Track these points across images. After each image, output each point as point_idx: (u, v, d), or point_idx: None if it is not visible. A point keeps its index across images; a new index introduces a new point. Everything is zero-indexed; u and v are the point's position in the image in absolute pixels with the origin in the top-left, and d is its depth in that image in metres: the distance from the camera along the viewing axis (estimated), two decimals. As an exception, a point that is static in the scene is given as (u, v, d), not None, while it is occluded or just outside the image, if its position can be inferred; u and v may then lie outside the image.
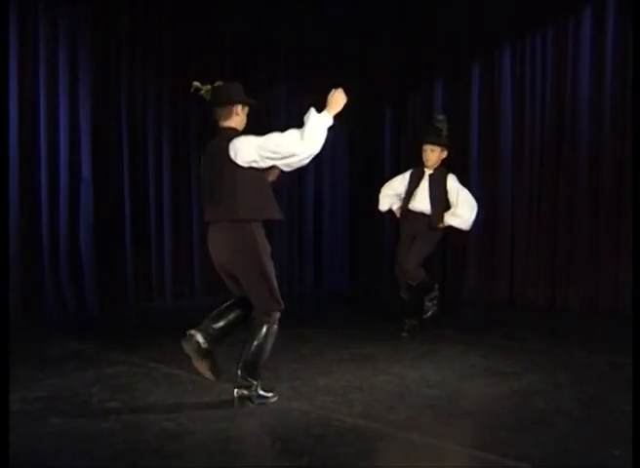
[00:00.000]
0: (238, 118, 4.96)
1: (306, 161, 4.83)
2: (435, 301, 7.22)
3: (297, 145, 4.73)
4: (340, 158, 11.08)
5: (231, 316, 4.99)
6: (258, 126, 7.95)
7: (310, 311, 8.91)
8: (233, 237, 4.80)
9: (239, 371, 4.79)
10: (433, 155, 7.03)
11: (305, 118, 4.91)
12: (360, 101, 10.68)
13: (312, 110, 4.95)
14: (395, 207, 7.39)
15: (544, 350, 6.52)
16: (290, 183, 10.37)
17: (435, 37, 9.89)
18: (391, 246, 10.51)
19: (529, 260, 9.02)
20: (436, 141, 7.02)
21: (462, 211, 6.98)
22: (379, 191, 10.48)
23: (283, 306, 4.90)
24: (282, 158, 4.74)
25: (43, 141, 8.01)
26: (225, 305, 5.03)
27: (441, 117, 7.20)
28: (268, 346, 4.85)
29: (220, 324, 4.93)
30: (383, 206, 7.47)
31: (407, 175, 7.28)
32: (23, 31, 7.80)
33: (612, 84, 8.26)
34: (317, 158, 10.76)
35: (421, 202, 7.08)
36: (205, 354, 4.82)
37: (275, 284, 4.89)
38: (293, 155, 4.73)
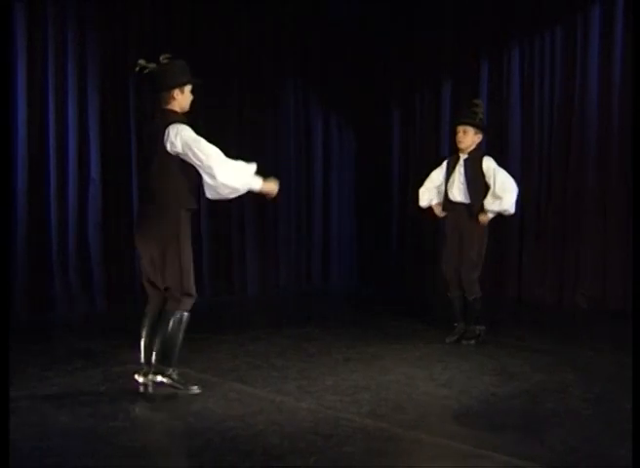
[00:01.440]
0: (176, 102, 4.99)
1: (222, 189, 4.81)
2: (476, 336, 6.79)
3: (217, 164, 4.74)
4: (348, 158, 11.08)
5: (152, 330, 5.13)
6: (264, 125, 8.06)
7: (318, 310, 8.91)
8: (157, 219, 4.90)
9: (153, 361, 4.93)
10: (466, 137, 6.67)
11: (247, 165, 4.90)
12: (368, 101, 10.75)
13: (254, 166, 4.93)
14: (435, 202, 7.00)
15: (552, 350, 6.51)
16: (298, 183, 10.39)
17: (443, 36, 9.87)
18: (399, 244, 10.55)
19: (537, 259, 9.00)
20: (469, 122, 6.69)
21: (501, 191, 6.57)
22: (386, 190, 10.59)
23: (195, 295, 5.01)
24: (201, 165, 4.77)
25: (52, 141, 8.02)
26: (145, 332, 5.18)
27: (478, 101, 6.93)
28: (180, 334, 4.95)
29: (155, 343, 5.02)
30: (423, 201, 7.04)
31: (444, 165, 6.94)
32: (33, 31, 7.81)
33: (620, 83, 8.24)
34: (325, 158, 10.91)
35: (459, 190, 6.72)
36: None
37: (191, 272, 5.00)
38: (210, 169, 4.73)
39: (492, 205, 6.59)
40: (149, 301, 5.24)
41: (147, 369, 5.00)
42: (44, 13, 7.91)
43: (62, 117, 8.10)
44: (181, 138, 4.77)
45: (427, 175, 7.11)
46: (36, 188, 7.91)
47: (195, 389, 5.03)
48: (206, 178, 4.80)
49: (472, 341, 6.71)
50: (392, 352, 6.40)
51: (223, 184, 4.77)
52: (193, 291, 5.02)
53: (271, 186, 5.02)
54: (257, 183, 4.91)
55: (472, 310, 6.79)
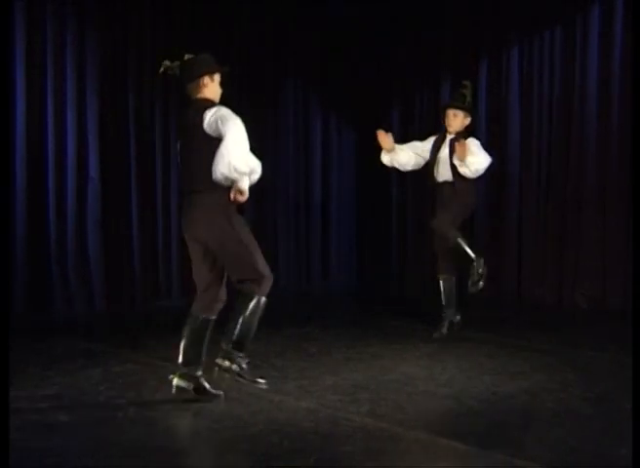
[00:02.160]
0: (208, 89, 4.88)
1: (224, 162, 4.48)
2: (479, 274, 6.69)
3: (234, 134, 4.52)
4: (347, 158, 11.08)
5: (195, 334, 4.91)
6: (264, 125, 8.05)
7: (318, 310, 8.91)
8: (208, 207, 4.71)
9: (225, 345, 4.68)
10: (456, 120, 6.83)
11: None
12: (368, 101, 10.74)
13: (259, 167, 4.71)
14: (395, 164, 7.13)
15: (552, 349, 6.50)
16: (297, 183, 10.40)
17: (443, 36, 9.86)
18: (399, 243, 10.54)
19: (536, 259, 9.00)
20: (459, 106, 6.85)
21: (476, 157, 6.71)
22: (386, 190, 10.58)
23: (271, 277, 4.84)
24: (222, 135, 4.53)
25: (51, 140, 8.03)
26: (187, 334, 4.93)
27: (466, 83, 7.00)
28: (256, 320, 4.77)
29: (230, 325, 4.79)
30: (384, 157, 7.20)
31: (430, 140, 7.04)
32: (32, 31, 7.83)
33: (619, 82, 8.24)
34: (325, 158, 10.91)
35: (444, 169, 6.83)
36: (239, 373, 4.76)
37: (257, 250, 4.82)
38: (226, 138, 4.50)
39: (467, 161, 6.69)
40: (197, 300, 4.97)
41: (184, 370, 4.84)
42: (43, 13, 7.91)
43: (61, 116, 8.11)
44: (217, 115, 4.62)
45: (426, 173, 7.14)
46: (35, 187, 7.92)
47: (262, 382, 4.83)
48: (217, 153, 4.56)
49: (480, 283, 6.72)
50: (392, 352, 6.39)
51: (229, 157, 4.48)
52: (268, 271, 4.85)
53: (244, 193, 4.69)
54: (245, 180, 4.66)
55: (461, 251, 6.76)
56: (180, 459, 3.93)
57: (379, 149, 10.78)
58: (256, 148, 4.72)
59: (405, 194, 10.38)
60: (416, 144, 7.15)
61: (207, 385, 4.90)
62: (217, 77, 4.96)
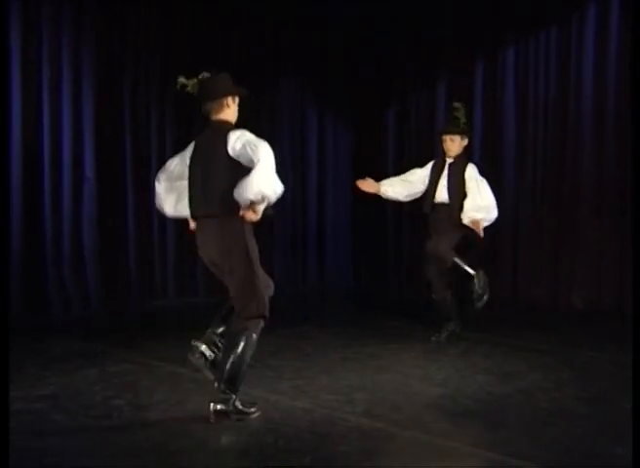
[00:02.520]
0: (230, 110, 4.77)
1: (250, 186, 4.32)
2: (481, 287, 6.68)
3: (264, 157, 4.40)
4: (343, 157, 11.09)
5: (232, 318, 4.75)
6: (260, 125, 8.02)
7: (314, 310, 8.91)
8: (223, 233, 4.61)
9: (216, 384, 4.53)
10: (454, 145, 6.86)
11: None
12: (364, 101, 10.75)
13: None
14: (390, 194, 7.09)
15: (548, 349, 6.51)
16: (293, 182, 10.39)
17: (438, 36, 9.87)
18: (395, 244, 10.54)
19: (532, 259, 9.01)
20: (454, 130, 6.88)
21: (486, 202, 6.67)
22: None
23: (267, 316, 4.70)
24: (251, 158, 4.41)
25: (46, 140, 8.01)
26: (226, 308, 4.81)
27: (457, 105, 6.98)
28: (247, 358, 4.58)
29: (222, 328, 4.72)
30: (382, 185, 7.08)
31: (428, 166, 7.07)
32: (27, 30, 7.80)
33: (615, 82, 8.25)
34: (321, 157, 10.90)
35: (441, 192, 6.87)
36: (211, 363, 4.63)
37: (263, 289, 4.70)
38: (257, 159, 4.37)
39: (476, 213, 6.66)
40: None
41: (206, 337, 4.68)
42: (39, 11, 7.89)
43: (57, 116, 8.10)
44: (242, 140, 4.51)
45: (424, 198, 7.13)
46: (31, 187, 7.90)
47: (254, 411, 4.63)
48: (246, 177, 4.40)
49: (485, 297, 6.69)
50: (388, 352, 6.40)
51: (260, 184, 4.34)
52: (266, 311, 4.72)
53: (258, 214, 4.60)
54: (263, 204, 4.54)
55: (460, 271, 6.79)
56: (177, 459, 3.93)
57: (375, 150, 10.86)
58: (280, 171, 4.57)
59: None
60: (415, 172, 7.14)
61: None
62: (237, 99, 4.82)
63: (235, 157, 4.51)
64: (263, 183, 4.34)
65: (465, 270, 6.69)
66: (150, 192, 8.79)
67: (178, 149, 9.08)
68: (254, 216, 4.53)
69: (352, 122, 11.02)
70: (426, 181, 6.99)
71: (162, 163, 8.94)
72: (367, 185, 7.04)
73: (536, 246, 8.98)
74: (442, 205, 6.85)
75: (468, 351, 6.42)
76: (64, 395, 5.03)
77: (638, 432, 3.50)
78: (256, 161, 4.36)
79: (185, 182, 4.79)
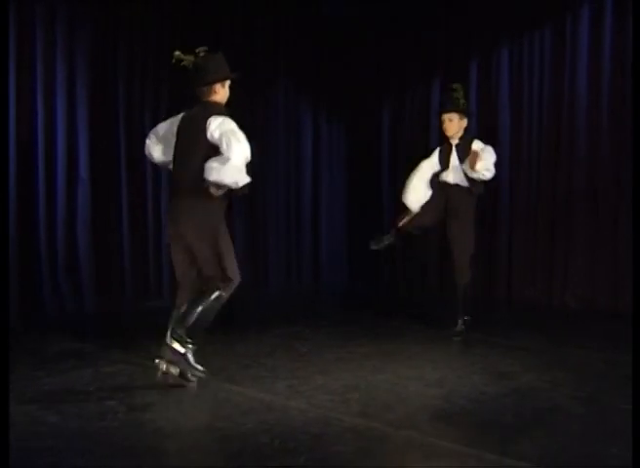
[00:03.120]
0: (218, 94, 5.11)
1: (216, 179, 4.82)
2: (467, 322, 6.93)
3: (238, 155, 4.82)
4: (338, 156, 11.09)
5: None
6: (255, 124, 8.01)
7: (308, 309, 8.91)
8: (195, 207, 4.97)
9: (172, 330, 4.98)
10: (452, 124, 6.86)
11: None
12: (358, 100, 10.75)
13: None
14: (423, 201, 7.02)
15: (542, 349, 6.52)
16: (287, 181, 10.40)
17: (433, 36, 9.86)
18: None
19: (527, 259, 9.02)
20: (452, 109, 6.86)
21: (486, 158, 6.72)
22: (377, 189, 10.57)
23: (238, 278, 5.12)
24: (224, 148, 4.82)
25: (40, 140, 7.98)
26: (175, 313, 5.19)
27: (457, 85, 6.99)
28: (213, 314, 5.05)
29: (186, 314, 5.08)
30: (410, 201, 7.03)
31: (435, 154, 7.06)
32: (21, 30, 7.77)
33: (610, 82, 8.25)
34: (315, 156, 10.90)
35: (455, 175, 6.85)
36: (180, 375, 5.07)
37: (232, 258, 5.10)
38: (229, 152, 4.80)
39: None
40: (179, 295, 5.29)
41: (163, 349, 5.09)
42: (32, 10, 7.87)
43: (51, 116, 8.06)
44: (222, 128, 4.86)
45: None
46: (25, 187, 7.87)
47: (201, 369, 5.08)
48: (217, 160, 4.83)
49: (458, 338, 6.80)
50: (383, 352, 6.39)
51: (222, 170, 4.78)
52: (237, 273, 5.14)
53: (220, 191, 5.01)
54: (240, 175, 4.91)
55: (461, 297, 6.89)
56: (171, 459, 3.93)
57: (370, 149, 10.84)
58: (254, 164, 5.04)
59: (396, 193, 10.36)
60: (424, 169, 7.09)
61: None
62: (227, 82, 5.16)
63: (213, 142, 4.88)
64: (227, 175, 4.80)
65: (464, 299, 6.92)
66: (145, 192, 8.90)
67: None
68: (215, 192, 4.93)
69: (347, 121, 11.02)
70: (437, 168, 6.99)
71: (157, 164, 8.98)
72: (406, 223, 7.09)
73: (530, 246, 8.99)
74: (457, 186, 6.86)
75: (463, 351, 6.43)
76: (58, 396, 5.02)
77: (638, 432, 3.50)
78: (226, 156, 4.79)
79: (173, 139, 5.20)
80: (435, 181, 7.01)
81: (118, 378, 5.47)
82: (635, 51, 7.64)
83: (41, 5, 7.92)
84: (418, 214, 6.99)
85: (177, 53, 5.12)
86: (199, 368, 5.09)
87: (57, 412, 4.64)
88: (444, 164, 6.94)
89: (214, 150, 4.87)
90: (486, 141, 8.54)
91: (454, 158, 6.89)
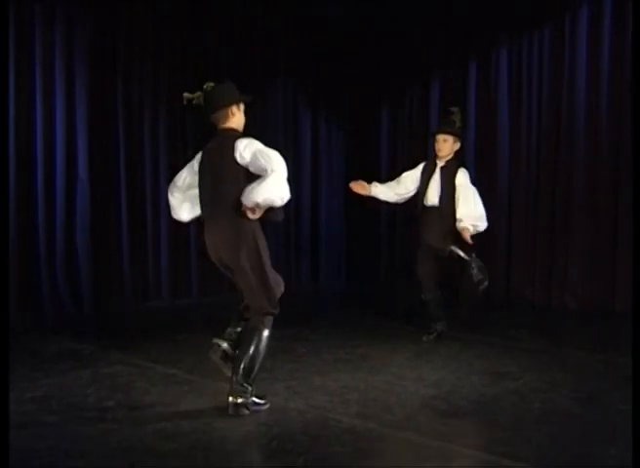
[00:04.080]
0: (235, 118, 4.92)
1: (262, 199, 4.54)
2: (480, 272, 6.67)
3: (277, 164, 4.61)
4: (336, 157, 11.10)
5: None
6: (254, 125, 7.92)
7: (307, 311, 8.90)
8: (233, 235, 4.74)
9: (234, 377, 4.66)
10: (446, 145, 6.82)
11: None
12: (357, 101, 10.76)
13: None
14: (380, 196, 7.09)
15: (541, 349, 6.52)
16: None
17: (432, 36, 9.88)
18: (388, 245, 10.55)
19: (525, 260, 9.02)
20: (448, 131, 6.83)
21: (480, 212, 6.65)
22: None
23: (278, 310, 4.82)
24: (264, 167, 4.60)
25: (40, 141, 7.99)
26: (242, 307, 4.94)
27: (454, 109, 6.98)
28: (262, 351, 4.75)
29: (240, 327, 4.90)
30: (373, 187, 7.06)
31: (419, 168, 7.03)
32: (20, 31, 7.78)
33: (609, 83, 8.26)
34: (314, 157, 10.89)
35: (433, 196, 6.82)
36: (232, 360, 4.79)
37: (273, 286, 4.83)
38: (270, 165, 4.58)
39: (477, 222, 6.65)
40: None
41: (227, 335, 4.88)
42: (31, 9, 7.87)
43: (50, 116, 8.07)
44: (251, 149, 4.67)
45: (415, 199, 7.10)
46: (24, 188, 7.88)
47: (266, 403, 4.84)
48: (258, 181, 4.59)
49: (485, 283, 6.69)
50: (381, 353, 6.40)
51: (269, 192, 4.55)
52: (277, 308, 4.85)
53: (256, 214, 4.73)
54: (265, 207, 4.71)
55: (454, 257, 6.79)
56: (169, 461, 3.93)
57: (368, 150, 10.86)
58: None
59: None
60: (406, 174, 7.09)
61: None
62: (242, 106, 4.99)
63: (244, 164, 4.69)
64: (274, 191, 4.56)
65: (461, 256, 6.68)
66: (144, 192, 8.90)
67: (170, 149, 9.18)
68: (252, 215, 4.66)
69: (346, 122, 11.03)
70: (417, 184, 6.97)
71: (155, 163, 9.01)
72: (359, 187, 7.03)
73: (529, 246, 8.99)
74: (433, 208, 6.83)
75: (461, 352, 6.42)
76: (57, 396, 5.02)
77: (638, 432, 3.50)
78: (269, 170, 4.58)
79: (196, 190, 4.97)
80: (417, 206, 6.99)
81: (117, 379, 5.47)
82: (635, 51, 7.63)
83: (40, 5, 7.92)
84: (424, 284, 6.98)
85: (185, 94, 4.93)
86: (261, 403, 4.81)
87: (55, 413, 4.64)
88: (424, 183, 6.89)
89: (244, 173, 4.67)
90: (485, 141, 8.59)
91: (434, 181, 6.84)
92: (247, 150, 4.68)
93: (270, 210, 4.71)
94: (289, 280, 10.32)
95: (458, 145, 6.91)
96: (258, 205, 4.57)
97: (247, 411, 4.62)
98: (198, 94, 4.93)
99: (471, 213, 6.62)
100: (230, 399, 4.65)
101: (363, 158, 10.84)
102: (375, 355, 6.30)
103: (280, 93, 10.32)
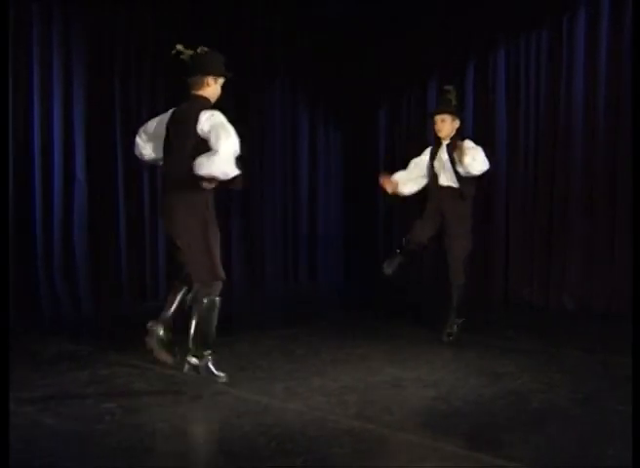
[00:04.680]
0: (209, 89, 5.12)
1: (208, 171, 4.83)
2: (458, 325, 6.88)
3: (223, 150, 4.79)
4: (334, 157, 11.11)
5: (178, 297, 5.26)
6: (251, 124, 7.94)
7: (305, 311, 8.90)
8: (184, 202, 4.99)
9: (194, 341, 5.08)
10: (444, 125, 6.83)
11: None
12: (355, 101, 10.77)
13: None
14: (405, 192, 7.11)
15: (539, 350, 6.52)
16: (284, 182, 10.41)
17: (430, 37, 9.88)
18: (386, 243, 10.54)
19: (523, 260, 9.02)
20: (445, 110, 6.85)
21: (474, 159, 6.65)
22: (373, 189, 10.54)
23: (224, 276, 5.13)
24: (212, 144, 4.83)
25: (37, 141, 7.99)
26: (171, 292, 5.32)
27: (449, 87, 7.00)
28: (212, 319, 5.10)
29: (172, 309, 5.23)
30: (405, 188, 7.08)
31: (427, 152, 7.05)
32: (17, 31, 7.77)
33: (606, 84, 8.27)
34: (312, 157, 10.92)
35: (447, 176, 6.82)
36: (165, 344, 5.14)
37: (217, 254, 5.09)
38: (216, 150, 4.80)
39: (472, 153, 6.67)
40: (178, 274, 5.36)
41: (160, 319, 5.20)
42: (29, 8, 7.86)
43: (47, 117, 8.06)
44: (210, 122, 4.87)
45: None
46: (21, 189, 7.87)
47: (222, 376, 5.17)
48: (206, 154, 4.84)
49: (450, 338, 6.78)
50: (380, 353, 6.40)
51: (210, 163, 4.79)
52: (221, 272, 5.12)
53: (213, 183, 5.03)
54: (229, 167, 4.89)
55: (456, 297, 6.85)
56: (167, 462, 3.92)
57: (366, 150, 10.86)
58: (245, 157, 4.99)
59: (392, 195, 10.38)
60: (416, 164, 7.11)
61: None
62: (220, 80, 5.19)
63: (203, 136, 4.89)
64: (215, 168, 4.80)
65: (459, 302, 6.87)
66: (141, 193, 8.89)
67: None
68: (206, 185, 4.97)
69: (344, 121, 11.04)
70: (427, 166, 6.99)
71: (153, 165, 8.98)
72: (389, 185, 7.04)
73: (526, 247, 9.00)
74: (449, 188, 6.82)
75: (460, 352, 6.42)
76: (55, 398, 5.01)
77: (638, 432, 3.50)
78: (215, 149, 4.81)
79: (163, 135, 5.20)
80: (428, 188, 7.00)
81: (115, 380, 5.47)
82: (635, 51, 7.65)
83: (37, 5, 7.92)
84: (416, 231, 6.96)
85: (178, 46, 5.13)
86: (221, 375, 5.18)
87: (54, 414, 4.64)
88: (432, 155, 6.93)
89: (203, 144, 4.88)
90: (484, 143, 8.58)
91: (443, 152, 6.85)
92: (207, 123, 4.87)
93: (229, 180, 4.94)
94: (287, 280, 10.47)
95: (457, 123, 6.92)
96: (203, 177, 4.85)
97: (201, 373, 5.09)
98: (189, 52, 5.14)
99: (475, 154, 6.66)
100: (187, 358, 5.10)
101: (361, 158, 10.85)
102: (374, 355, 6.30)
103: (279, 92, 10.32)
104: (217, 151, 4.78)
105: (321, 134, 10.94)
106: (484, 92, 9.37)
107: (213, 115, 4.92)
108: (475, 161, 6.64)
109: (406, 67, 10.18)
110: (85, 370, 5.75)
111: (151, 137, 5.35)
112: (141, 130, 5.46)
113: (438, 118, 6.89)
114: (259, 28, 9.93)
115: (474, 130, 9.35)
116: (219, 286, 5.12)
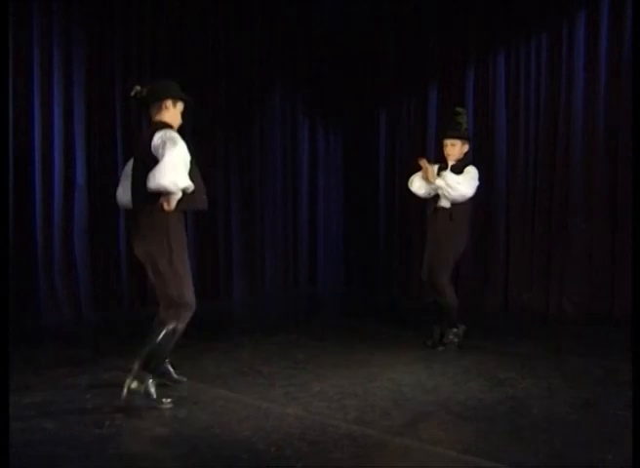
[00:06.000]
0: (168, 112, 5.04)
1: (155, 185, 4.68)
2: (458, 336, 6.89)
3: (168, 158, 4.69)
4: (334, 161, 11.13)
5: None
6: (251, 128, 7.97)
7: (305, 315, 8.90)
8: (146, 226, 4.89)
9: (135, 365, 4.86)
10: (454, 149, 6.83)
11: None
12: (355, 105, 10.78)
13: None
14: (422, 192, 6.97)
15: (538, 355, 6.52)
16: (284, 185, 10.42)
17: (430, 40, 9.89)
18: (387, 248, 10.55)
19: (523, 265, 9.02)
20: (455, 135, 6.84)
21: (462, 186, 6.67)
22: (373, 194, 10.61)
23: (193, 307, 4.98)
24: (159, 155, 4.73)
25: (37, 146, 7.98)
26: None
27: (460, 109, 7.01)
28: (165, 344, 4.93)
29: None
30: (415, 186, 6.96)
31: (435, 167, 6.96)
32: (17, 34, 7.76)
33: (606, 87, 8.28)
34: (312, 161, 10.94)
35: (443, 196, 6.79)
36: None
37: (186, 281, 4.94)
38: (162, 161, 4.68)
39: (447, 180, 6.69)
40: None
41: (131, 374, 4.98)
42: (29, 15, 7.87)
43: (48, 122, 8.06)
44: (163, 138, 4.78)
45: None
46: (21, 194, 7.87)
47: (167, 402, 4.93)
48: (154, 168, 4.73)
49: (447, 346, 6.79)
50: (379, 358, 6.39)
51: (157, 174, 4.66)
52: (191, 300, 4.97)
53: (170, 205, 4.86)
54: (171, 195, 4.81)
55: (446, 314, 6.85)
56: (168, 466, 3.92)
57: (366, 154, 10.84)
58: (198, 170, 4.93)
59: (393, 198, 10.41)
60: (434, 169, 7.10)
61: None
62: (179, 105, 5.13)
63: (155, 154, 4.79)
64: (162, 177, 4.64)
65: (451, 315, 6.86)
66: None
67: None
68: (166, 206, 4.81)
69: (344, 125, 11.05)
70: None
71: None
72: (425, 167, 6.87)
73: (526, 251, 9.00)
74: (443, 209, 6.81)
75: (459, 357, 6.42)
76: (55, 402, 5.01)
77: (638, 434, 3.50)
78: (160, 157, 4.69)
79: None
80: (427, 206, 6.99)
81: (115, 385, 5.45)
82: (635, 52, 7.65)
83: (37, 8, 7.91)
84: (424, 271, 6.97)
85: (137, 87, 5.10)
86: (164, 401, 4.93)
87: (53, 419, 4.64)
88: (437, 175, 6.91)
89: (156, 162, 4.75)
90: (483, 145, 8.61)
91: (448, 174, 6.79)
92: (158, 140, 4.78)
93: (187, 199, 4.84)
94: (287, 284, 10.47)
95: (466, 147, 6.92)
96: (152, 192, 4.71)
97: (141, 398, 4.83)
98: (146, 87, 5.07)
99: (453, 178, 6.66)
100: (127, 381, 4.85)
101: (361, 162, 10.86)
102: (373, 360, 6.30)
103: (278, 96, 10.33)
104: (162, 161, 4.68)
105: (321, 138, 10.96)
106: (484, 95, 9.38)
107: (165, 133, 4.83)
108: (452, 188, 6.65)
109: (406, 68, 10.20)
110: (85, 374, 5.76)
111: (124, 179, 5.32)
112: (122, 176, 5.44)
113: (448, 142, 6.88)
114: (258, 32, 9.95)
115: (474, 130, 9.36)
116: (186, 313, 4.97)
